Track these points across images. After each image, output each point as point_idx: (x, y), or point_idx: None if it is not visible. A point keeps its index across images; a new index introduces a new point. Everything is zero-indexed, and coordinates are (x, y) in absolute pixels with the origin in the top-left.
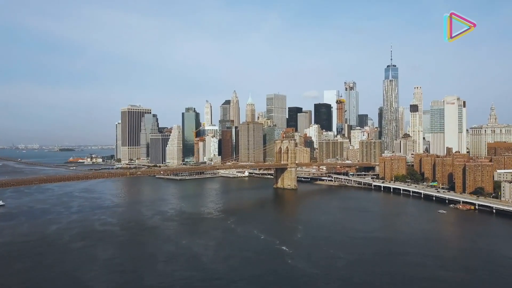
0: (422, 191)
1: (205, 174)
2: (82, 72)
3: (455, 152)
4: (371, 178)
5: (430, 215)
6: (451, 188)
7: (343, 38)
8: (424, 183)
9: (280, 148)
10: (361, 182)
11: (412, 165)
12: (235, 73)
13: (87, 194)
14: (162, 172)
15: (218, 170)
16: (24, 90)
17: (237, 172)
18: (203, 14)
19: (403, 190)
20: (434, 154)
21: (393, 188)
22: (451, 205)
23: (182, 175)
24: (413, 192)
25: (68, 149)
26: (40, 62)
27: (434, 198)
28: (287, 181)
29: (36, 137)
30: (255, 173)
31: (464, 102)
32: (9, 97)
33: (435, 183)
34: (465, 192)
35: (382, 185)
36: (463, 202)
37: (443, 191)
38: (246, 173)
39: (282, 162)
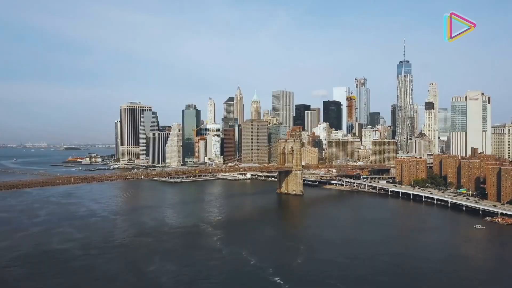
0: (449, 200)
1: (203, 176)
2: (89, 71)
3: (479, 153)
4: (386, 182)
5: (465, 231)
6: (481, 195)
7: (352, 37)
8: (448, 189)
9: (284, 148)
10: (376, 187)
11: (431, 167)
12: (242, 71)
13: (64, 199)
14: (143, 177)
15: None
16: (32, 89)
17: (238, 174)
18: (211, 12)
19: (426, 197)
20: (457, 155)
21: (413, 194)
22: (487, 218)
23: (178, 177)
24: (438, 200)
25: (74, 148)
26: (48, 61)
27: (464, 208)
28: (292, 186)
29: (44, 136)
30: (258, 176)
31: (488, 98)
32: (17, 96)
33: (463, 190)
34: (500, 201)
35: (400, 190)
36: (502, 214)
37: (475, 200)
38: (248, 176)
39: (286, 164)
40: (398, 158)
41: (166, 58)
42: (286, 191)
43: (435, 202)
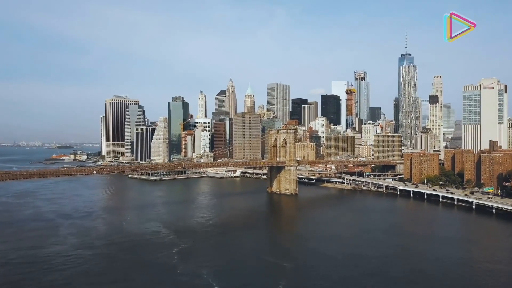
0: (474, 200)
1: (187, 173)
2: (86, 70)
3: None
4: (392, 179)
5: (507, 242)
6: (507, 194)
7: (351, 35)
8: (465, 187)
9: (276, 140)
10: (383, 185)
11: (441, 164)
12: (240, 70)
13: (16, 199)
14: (95, 172)
15: (204, 169)
16: (30, 89)
17: (226, 171)
18: (210, 11)
19: (443, 197)
20: (471, 150)
21: (428, 194)
22: None
23: (158, 175)
24: (459, 200)
25: (67, 146)
26: (45, 60)
27: (494, 210)
28: (285, 184)
29: (40, 135)
30: (248, 173)
31: (505, 87)
32: (14, 95)
33: (490, 189)
34: None
35: (412, 189)
36: None
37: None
38: (238, 173)
39: (278, 159)
40: (406, 153)
41: (164, 57)
42: (278, 190)
43: (455, 203)
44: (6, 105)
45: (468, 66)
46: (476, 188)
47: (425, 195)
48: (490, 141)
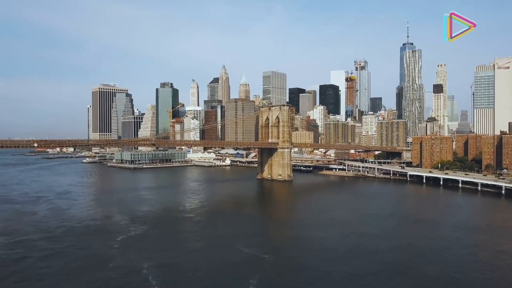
0: (504, 185)
1: (172, 162)
2: (83, 66)
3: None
4: (399, 167)
5: None
6: None
7: (349, 32)
8: (484, 174)
9: (268, 119)
10: (390, 170)
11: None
12: (236, 67)
13: None
14: (36, 145)
15: (191, 158)
16: (27, 85)
17: (215, 159)
18: (207, 8)
19: (463, 182)
20: (486, 134)
21: (444, 179)
22: None
23: (138, 163)
24: (483, 185)
25: None
26: (43, 57)
27: None
28: (277, 169)
29: (36, 131)
30: (239, 162)
31: None
32: (12, 92)
33: None
34: None
35: (424, 174)
36: None
37: None
38: (228, 162)
39: (269, 140)
40: (415, 136)
41: (160, 53)
42: (269, 176)
43: (479, 188)
44: (2, 102)
45: (468, 62)
46: (505, 171)
47: (441, 180)
48: (509, 123)
